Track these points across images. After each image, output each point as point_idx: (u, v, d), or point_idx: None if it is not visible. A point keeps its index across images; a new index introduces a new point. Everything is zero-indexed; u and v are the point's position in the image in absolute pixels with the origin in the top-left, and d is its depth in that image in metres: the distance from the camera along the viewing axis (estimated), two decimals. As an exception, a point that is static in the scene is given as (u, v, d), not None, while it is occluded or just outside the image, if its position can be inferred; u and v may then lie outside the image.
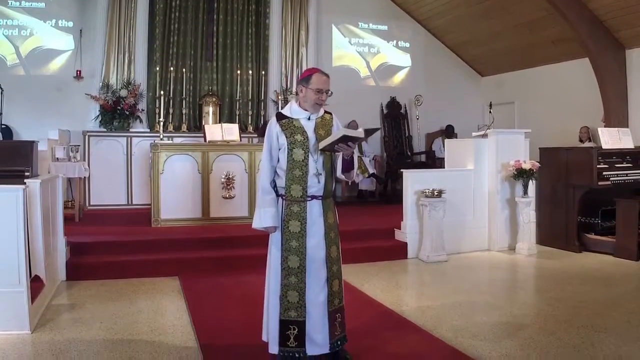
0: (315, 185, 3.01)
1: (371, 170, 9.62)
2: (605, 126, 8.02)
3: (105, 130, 8.64)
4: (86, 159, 8.11)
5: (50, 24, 8.89)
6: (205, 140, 7.14)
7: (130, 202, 8.65)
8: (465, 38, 10.84)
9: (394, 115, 10.65)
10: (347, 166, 3.04)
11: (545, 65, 10.03)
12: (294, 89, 9.61)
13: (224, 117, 9.46)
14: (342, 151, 2.97)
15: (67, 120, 8.59)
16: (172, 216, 6.58)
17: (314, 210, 3.02)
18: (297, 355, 2.97)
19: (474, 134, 7.08)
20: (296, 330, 2.96)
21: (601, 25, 8.30)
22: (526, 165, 6.29)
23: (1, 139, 7.61)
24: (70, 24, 8.95)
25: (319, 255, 3.01)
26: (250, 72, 9.49)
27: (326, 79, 3.04)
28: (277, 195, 3.06)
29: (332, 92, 3.10)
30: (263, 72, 9.76)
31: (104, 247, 5.60)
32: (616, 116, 8.45)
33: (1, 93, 7.47)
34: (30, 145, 5.11)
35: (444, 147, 8.11)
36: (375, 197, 10.04)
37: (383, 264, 5.91)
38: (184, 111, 9.13)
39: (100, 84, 8.67)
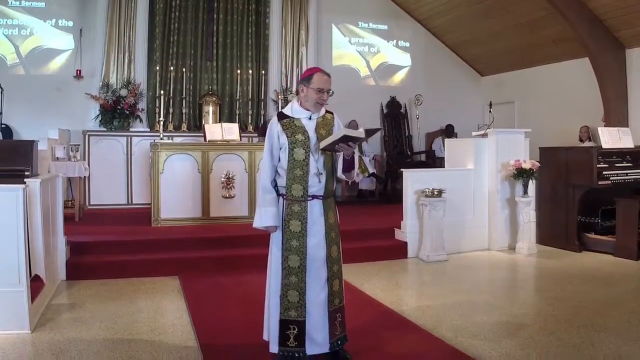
0: (316, 185, 3.01)
1: (371, 170, 9.62)
2: (605, 126, 8.02)
3: (105, 129, 8.64)
4: (86, 159, 8.11)
5: (50, 24, 8.88)
6: (205, 140, 7.14)
7: (130, 202, 8.65)
8: (465, 38, 10.84)
9: (394, 115, 10.64)
10: (348, 166, 3.04)
11: (545, 64, 10.03)
12: (294, 89, 9.61)
13: (224, 116, 9.46)
14: (343, 151, 2.97)
15: (67, 119, 8.59)
16: (172, 216, 6.58)
17: (315, 210, 3.02)
18: (296, 355, 2.97)
19: (474, 133, 7.08)
20: (296, 330, 2.96)
21: (601, 24, 8.30)
22: (526, 165, 6.29)
23: (1, 138, 7.61)
24: (70, 23, 8.95)
25: (319, 254, 3.02)
26: (250, 71, 9.49)
27: (327, 78, 3.05)
28: (278, 194, 3.06)
29: (333, 92, 3.10)
30: (263, 72, 9.76)
31: (104, 246, 5.60)
32: (616, 116, 8.45)
33: (1, 93, 7.45)
34: (30, 144, 5.11)
35: (444, 146, 8.11)
36: (375, 197, 10.04)
37: (383, 263, 5.91)
38: (184, 111, 9.13)
39: (100, 83, 8.67)
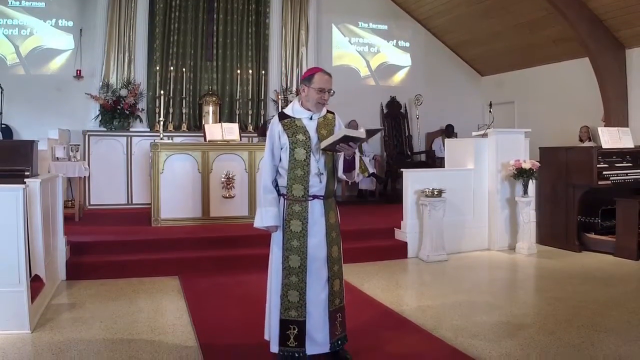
0: (317, 185, 3.01)
1: (371, 170, 9.61)
2: (605, 126, 8.02)
3: (105, 129, 8.64)
4: (86, 159, 8.11)
5: (50, 24, 8.88)
6: (205, 140, 7.14)
7: (130, 202, 8.65)
8: (465, 38, 10.84)
9: (394, 115, 10.64)
10: (349, 166, 3.05)
11: (545, 64, 10.03)
12: (294, 89, 9.61)
13: (224, 116, 9.46)
14: (344, 151, 2.97)
15: (67, 119, 8.60)
16: (172, 216, 6.58)
17: (316, 210, 3.03)
18: (296, 355, 2.97)
19: (474, 133, 7.08)
20: (296, 330, 2.96)
21: (601, 24, 8.30)
22: (526, 165, 6.29)
23: (1, 138, 7.61)
24: (70, 23, 8.95)
25: (320, 254, 3.02)
26: (250, 71, 9.49)
27: (328, 78, 3.05)
28: (279, 194, 3.07)
29: (334, 92, 3.10)
30: (263, 72, 9.76)
31: (104, 246, 5.60)
32: (616, 116, 8.45)
33: (1, 93, 7.46)
34: (30, 144, 5.11)
35: (444, 146, 8.10)
36: (375, 197, 10.05)
37: (383, 263, 5.91)
38: (184, 111, 9.13)
39: (100, 83, 8.67)
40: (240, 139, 7.40)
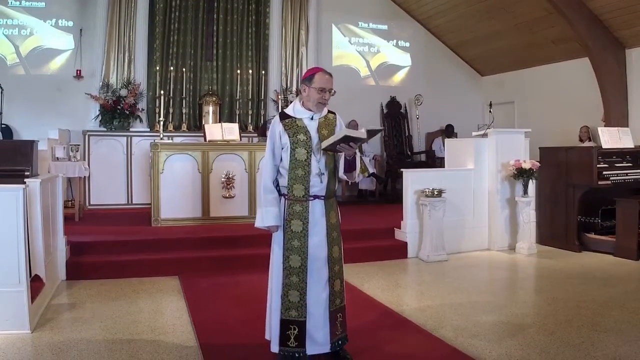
0: (318, 185, 3.02)
1: (371, 170, 9.61)
2: (605, 126, 8.02)
3: (105, 129, 8.64)
4: (86, 159, 8.11)
5: (50, 24, 8.88)
6: (205, 140, 7.14)
7: (130, 202, 8.65)
8: (465, 38, 10.84)
9: (394, 115, 10.65)
10: (349, 166, 3.05)
11: (545, 64, 10.03)
12: (294, 89, 9.62)
13: (224, 116, 9.46)
14: (344, 151, 2.97)
15: (67, 119, 8.60)
16: (172, 216, 6.58)
17: (317, 210, 3.03)
18: (297, 355, 2.97)
19: (474, 133, 7.08)
20: (296, 330, 2.96)
21: (601, 24, 8.30)
22: (526, 165, 6.29)
23: (1, 138, 7.61)
24: (70, 23, 8.95)
25: (320, 254, 3.02)
26: (250, 71, 9.49)
27: (329, 77, 3.05)
28: (280, 194, 3.07)
29: (335, 91, 3.10)
30: (263, 72, 9.76)
31: (104, 246, 5.60)
32: (616, 116, 8.45)
33: (1, 93, 7.46)
34: (30, 144, 5.11)
35: (444, 146, 8.10)
36: (375, 197, 10.05)
37: (383, 263, 5.91)
38: (184, 111, 9.13)
39: (100, 83, 8.67)
40: (240, 139, 7.40)
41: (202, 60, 9.53)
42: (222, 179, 6.78)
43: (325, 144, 2.96)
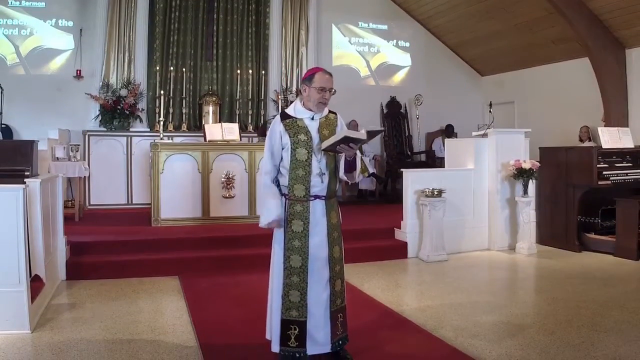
0: (319, 185, 3.02)
1: (371, 170, 9.61)
2: (605, 126, 8.02)
3: (105, 129, 8.64)
4: (86, 159, 8.11)
5: (50, 24, 8.88)
6: (205, 140, 7.14)
7: (130, 202, 8.65)
8: (465, 38, 10.84)
9: (394, 115, 10.65)
10: (350, 167, 3.05)
11: (545, 64, 10.03)
12: (294, 89, 9.62)
13: (224, 116, 9.46)
14: (344, 152, 2.97)
15: (67, 119, 8.59)
16: (172, 216, 6.58)
17: (317, 210, 3.03)
18: (297, 355, 2.97)
19: (474, 133, 7.08)
20: (297, 330, 2.96)
21: (601, 24, 8.30)
22: (526, 165, 6.29)
23: (1, 138, 7.61)
24: (70, 23, 8.95)
25: (321, 254, 3.02)
26: (250, 71, 9.49)
27: (329, 77, 3.05)
28: (281, 194, 3.06)
29: (335, 91, 3.10)
30: (263, 72, 9.76)
31: (104, 246, 5.60)
32: (616, 116, 8.46)
33: (1, 93, 7.46)
34: (30, 144, 5.11)
35: (444, 146, 8.11)
36: (376, 197, 10.05)
37: (383, 263, 5.91)
38: (184, 111, 9.13)
39: (100, 83, 8.67)
40: (240, 139, 7.40)
41: (202, 60, 9.53)
42: (222, 179, 6.78)
43: (325, 144, 2.96)
